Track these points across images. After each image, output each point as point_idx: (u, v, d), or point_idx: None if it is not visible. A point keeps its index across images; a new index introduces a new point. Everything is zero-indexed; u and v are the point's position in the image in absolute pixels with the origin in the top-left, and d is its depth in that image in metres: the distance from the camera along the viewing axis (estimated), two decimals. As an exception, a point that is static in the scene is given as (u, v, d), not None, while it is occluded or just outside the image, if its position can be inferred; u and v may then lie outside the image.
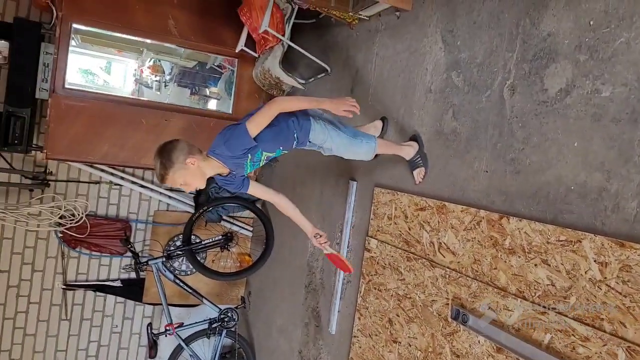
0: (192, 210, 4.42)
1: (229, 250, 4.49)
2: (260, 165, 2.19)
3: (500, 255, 1.84)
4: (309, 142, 2.19)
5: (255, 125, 1.96)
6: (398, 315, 2.42)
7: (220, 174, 2.12)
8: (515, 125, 1.86)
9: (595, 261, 1.50)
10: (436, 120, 2.30)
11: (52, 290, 4.31)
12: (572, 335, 1.54)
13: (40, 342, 4.33)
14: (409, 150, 2.35)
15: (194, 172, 1.97)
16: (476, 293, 1.94)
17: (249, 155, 2.03)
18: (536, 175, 1.75)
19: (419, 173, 2.34)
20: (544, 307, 1.65)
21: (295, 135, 2.12)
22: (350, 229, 2.94)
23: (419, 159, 2.33)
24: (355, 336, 2.76)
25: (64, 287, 4.30)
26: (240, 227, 4.68)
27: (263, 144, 2.03)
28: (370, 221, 2.72)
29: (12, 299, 4.18)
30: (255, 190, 2.32)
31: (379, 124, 2.65)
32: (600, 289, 1.48)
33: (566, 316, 1.57)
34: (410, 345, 2.31)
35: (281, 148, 2.14)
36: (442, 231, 2.15)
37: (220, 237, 4.36)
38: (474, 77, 2.09)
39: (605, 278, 1.47)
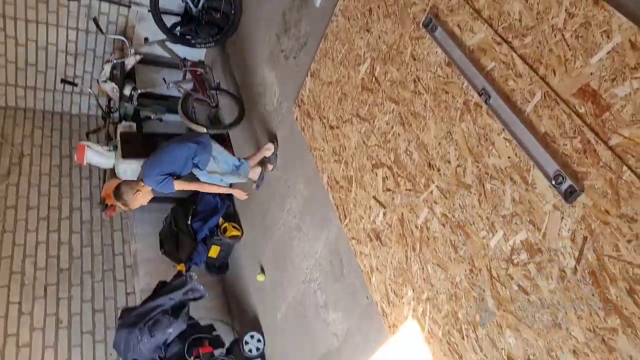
0: None
1: None
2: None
3: (490, -23, 1.79)
4: None
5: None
6: (379, 7, 2.47)
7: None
8: None
9: (566, 10, 1.53)
10: None
11: None
12: (511, 69, 1.71)
13: None
14: None
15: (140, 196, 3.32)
16: (453, 8, 1.97)
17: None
18: None
19: None
20: (503, 38, 1.75)
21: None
22: None
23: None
24: (335, 15, 2.86)
25: None
26: None
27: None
28: None
29: None
30: None
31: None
32: (555, 37, 1.57)
33: (515, 52, 1.70)
34: (379, 38, 2.46)
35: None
36: None
37: None
38: None
39: (565, 28, 1.53)
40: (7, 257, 4.14)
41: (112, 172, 4.26)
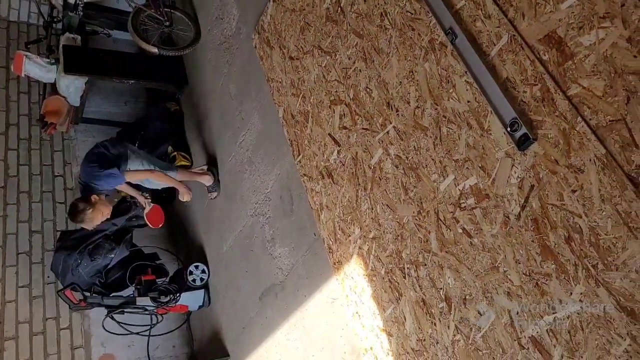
0: None
1: None
2: None
3: None
4: None
5: None
6: None
7: None
8: None
9: (545, -51, 1.45)
10: None
11: None
12: (481, 9, 1.65)
13: None
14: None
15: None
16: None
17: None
18: None
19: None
20: (477, -25, 1.67)
21: None
22: None
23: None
24: None
25: None
26: None
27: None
28: None
29: None
30: None
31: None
32: (530, -22, 1.50)
33: (488, -9, 1.63)
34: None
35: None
36: None
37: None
38: None
39: (541, -31, 1.46)
40: None
41: (53, 87, 3.95)
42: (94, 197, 2.67)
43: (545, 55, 1.46)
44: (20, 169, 4.17)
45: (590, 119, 1.36)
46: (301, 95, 2.64)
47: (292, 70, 2.74)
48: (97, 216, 2.88)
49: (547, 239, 1.46)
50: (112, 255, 3.24)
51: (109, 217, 2.78)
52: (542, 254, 1.48)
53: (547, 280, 1.46)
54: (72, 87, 3.84)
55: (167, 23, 3.94)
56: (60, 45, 4.02)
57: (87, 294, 3.22)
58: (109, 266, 3.28)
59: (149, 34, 4.01)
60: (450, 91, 1.77)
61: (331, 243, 2.42)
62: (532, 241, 1.50)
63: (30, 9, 4.93)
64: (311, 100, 2.56)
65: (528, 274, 1.52)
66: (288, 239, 2.85)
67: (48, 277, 3.77)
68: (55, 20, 4.24)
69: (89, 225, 2.87)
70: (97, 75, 3.99)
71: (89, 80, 3.99)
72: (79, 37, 4.17)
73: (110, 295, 3.37)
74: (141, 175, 3.14)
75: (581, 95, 1.38)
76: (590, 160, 1.35)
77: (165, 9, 3.90)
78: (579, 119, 1.38)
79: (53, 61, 3.93)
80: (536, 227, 1.49)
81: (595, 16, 1.33)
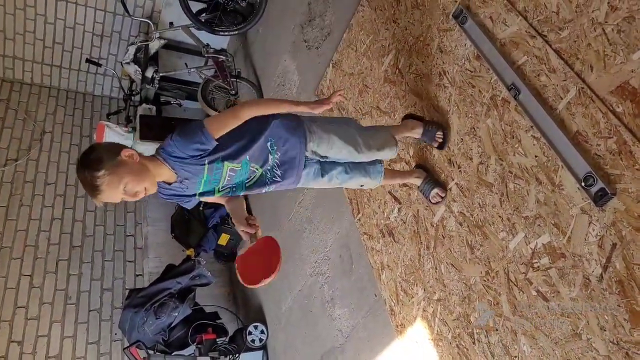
0: None
1: None
2: (220, 188, 1.63)
3: (528, -33, 1.71)
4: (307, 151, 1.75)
5: (217, 123, 1.50)
6: (408, -2, 2.40)
7: (166, 182, 1.55)
8: None
9: (608, 3, 1.44)
10: None
11: None
12: (545, 64, 1.63)
13: None
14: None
15: (136, 169, 1.41)
16: (486, -1, 1.90)
17: (206, 164, 1.51)
18: None
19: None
20: (537, 32, 1.67)
21: (270, 144, 1.65)
22: None
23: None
24: (362, 5, 2.79)
25: None
26: None
27: (225, 150, 1.54)
28: None
29: None
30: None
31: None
32: (595, 31, 1.48)
33: (550, 46, 1.62)
34: (406, 29, 2.39)
35: (248, 158, 1.60)
36: None
37: None
38: None
39: (606, 22, 1.44)
40: (22, 230, 4.16)
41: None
42: (127, 152, 1.41)
43: (618, 107, 1.40)
44: (96, 230, 4.45)
45: (675, 172, 1.26)
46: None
47: (351, 131, 2.80)
48: (117, 185, 1.37)
49: (635, 303, 1.33)
50: (176, 314, 3.29)
51: (144, 194, 1.44)
52: (631, 320, 1.34)
53: (639, 350, 1.31)
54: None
55: (234, 92, 4.21)
56: (137, 115, 4.39)
57: (151, 352, 3.27)
58: (173, 324, 3.33)
59: (216, 102, 4.30)
60: (516, 146, 1.72)
61: (393, 304, 2.33)
62: (619, 305, 1.37)
63: (112, 84, 5.47)
64: (371, 159, 2.59)
65: (616, 342, 1.37)
66: (348, 300, 2.78)
67: (115, 334, 3.88)
68: (133, 93, 4.68)
69: (102, 198, 1.38)
70: (169, 140, 4.28)
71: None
72: (154, 107, 4.54)
73: (173, 353, 3.40)
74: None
75: (662, 146, 1.29)
76: (679, 216, 1.24)
77: (232, 79, 4.18)
78: (663, 171, 1.28)
79: (130, 129, 4.28)
80: (622, 289, 1.37)
81: (670, 65, 1.28)
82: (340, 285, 2.86)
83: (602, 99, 1.44)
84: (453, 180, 2.01)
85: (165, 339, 3.35)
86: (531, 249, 1.65)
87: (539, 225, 1.62)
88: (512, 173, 1.74)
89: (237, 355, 3.48)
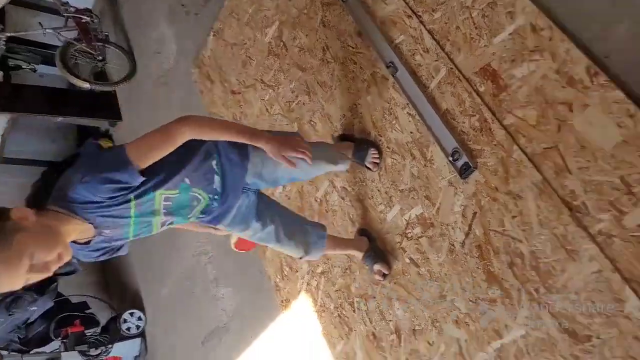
0: None
1: None
2: (155, 225, 1.25)
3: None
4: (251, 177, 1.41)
5: (144, 150, 1.12)
6: (291, -31, 2.35)
7: (77, 242, 1.13)
8: None
9: (475, -12, 1.55)
10: None
11: None
12: (419, 44, 1.71)
13: None
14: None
15: (38, 232, 1.00)
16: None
17: (133, 199, 1.12)
18: None
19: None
20: (413, 11, 1.74)
21: (215, 163, 1.31)
22: None
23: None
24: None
25: None
26: None
27: (156, 176, 1.16)
28: None
29: None
30: None
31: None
32: (463, 14, 1.58)
33: (424, 26, 1.70)
34: (290, 0, 2.34)
35: (188, 182, 1.24)
36: None
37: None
38: None
39: (473, 6, 1.55)
40: None
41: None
42: (18, 213, 1.02)
43: (481, 87, 1.53)
44: None
45: (525, 147, 1.41)
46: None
47: (234, 104, 2.70)
48: (17, 265, 0.98)
49: (491, 265, 1.48)
50: (34, 308, 2.92)
51: (59, 263, 1.06)
52: (487, 280, 1.49)
53: (493, 306, 1.47)
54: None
55: (100, 57, 3.79)
56: (-21, 80, 3.74)
57: (4, 352, 2.88)
58: (30, 320, 2.95)
59: (79, 68, 3.83)
60: (393, 122, 1.80)
61: (278, 280, 2.34)
62: (477, 268, 1.52)
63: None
64: (254, 134, 2.52)
65: (474, 300, 1.52)
66: (232, 278, 2.73)
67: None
68: (-26, 55, 3.96)
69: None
70: (20, 112, 3.74)
71: (11, 119, 3.73)
72: (1, 73, 3.90)
73: (31, 352, 3.03)
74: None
75: (516, 124, 1.44)
76: (527, 186, 1.40)
77: (98, 43, 3.76)
78: (515, 147, 1.43)
79: (-30, 96, 3.64)
80: (480, 253, 1.51)
81: (525, 50, 1.42)
82: (225, 263, 2.79)
83: (468, 79, 1.56)
84: (335, 155, 2.04)
85: (22, 336, 2.96)
86: (405, 219, 1.75)
87: (412, 197, 1.72)
88: (390, 149, 1.81)
89: (110, 345, 3.23)
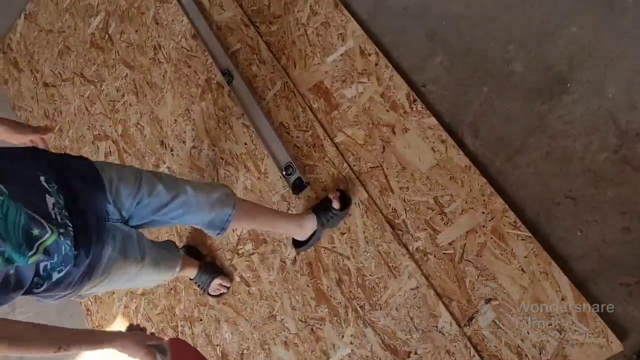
0: None
1: None
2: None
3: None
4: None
5: None
6: (123, -45, 2.11)
7: None
8: None
9: (310, 7, 1.55)
10: None
11: None
12: (256, 54, 1.66)
13: None
14: None
15: None
16: (206, -24, 1.81)
17: None
18: None
19: None
20: (251, 21, 1.68)
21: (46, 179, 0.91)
22: None
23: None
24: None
25: None
26: None
27: None
28: None
29: None
30: None
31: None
32: (299, 30, 1.58)
33: (261, 37, 1.65)
34: (119, -10, 2.09)
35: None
36: None
37: None
38: None
39: (308, 24, 1.55)
40: None
41: None
42: None
43: (315, 103, 1.53)
44: None
45: (354, 165, 1.45)
46: (57, 128, 2.23)
47: (46, 99, 2.31)
48: None
49: (320, 283, 1.48)
50: None
51: None
52: (316, 298, 1.48)
53: (321, 325, 1.47)
54: None
55: None
56: None
57: None
58: None
59: None
60: (228, 132, 1.70)
61: (89, 304, 2.03)
62: (307, 285, 1.50)
63: None
64: (70, 134, 2.18)
65: (304, 320, 1.50)
66: (35, 303, 2.30)
67: None
68: None
69: None
70: None
71: None
72: None
73: None
74: None
75: (346, 142, 1.47)
76: (355, 203, 1.43)
77: None
78: (345, 164, 1.46)
79: None
80: (311, 270, 1.50)
81: (355, 72, 1.46)
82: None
83: (302, 94, 1.55)
84: (165, 163, 1.86)
85: None
86: (237, 235, 1.66)
87: (245, 212, 1.64)
88: (223, 159, 1.71)
89: None
